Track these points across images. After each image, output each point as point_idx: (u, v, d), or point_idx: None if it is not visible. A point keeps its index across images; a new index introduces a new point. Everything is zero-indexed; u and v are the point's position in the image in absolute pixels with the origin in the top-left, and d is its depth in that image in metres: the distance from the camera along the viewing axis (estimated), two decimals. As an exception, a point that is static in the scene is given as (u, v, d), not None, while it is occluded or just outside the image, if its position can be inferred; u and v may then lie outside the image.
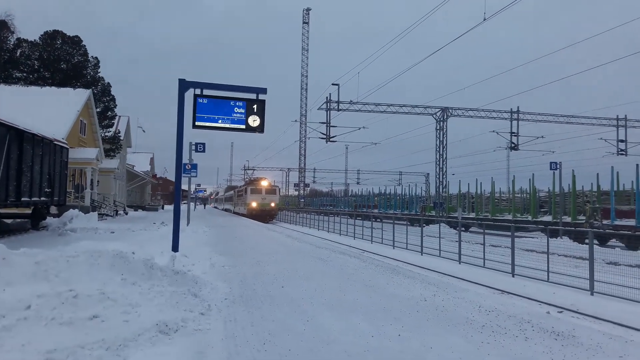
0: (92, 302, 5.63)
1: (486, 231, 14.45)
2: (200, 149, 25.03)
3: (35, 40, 38.92)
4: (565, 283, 10.01)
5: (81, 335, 4.88)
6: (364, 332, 5.62)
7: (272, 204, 45.02)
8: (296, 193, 70.96)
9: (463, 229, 17.42)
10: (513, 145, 37.29)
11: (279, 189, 52.58)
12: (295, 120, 58.16)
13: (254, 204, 43.98)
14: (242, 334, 5.41)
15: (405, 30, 25.02)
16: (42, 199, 19.52)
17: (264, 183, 46.54)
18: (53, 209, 23.17)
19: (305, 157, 63.67)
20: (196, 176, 25.93)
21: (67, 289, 5.72)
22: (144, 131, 65.33)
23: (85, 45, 40.03)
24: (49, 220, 21.20)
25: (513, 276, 11.44)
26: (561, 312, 7.58)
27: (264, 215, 42.91)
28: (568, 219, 23.54)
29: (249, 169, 65.28)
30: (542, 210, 28.23)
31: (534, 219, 25.96)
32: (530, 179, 27.84)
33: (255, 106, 11.35)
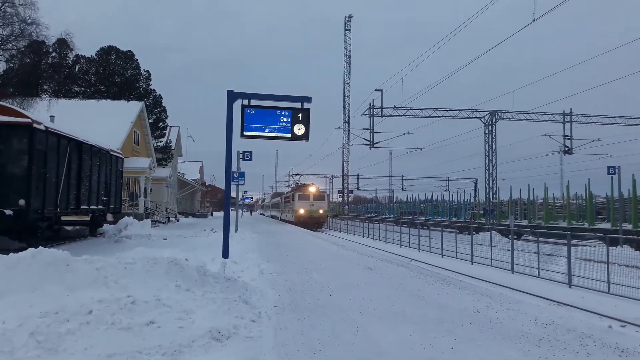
0: (148, 308, 5.81)
1: (540, 239, 13.98)
2: (247, 157, 25.43)
3: (91, 56, 40.85)
4: (628, 295, 9.52)
5: (139, 340, 5.04)
6: (415, 343, 5.53)
7: (321, 211, 43.00)
8: (340, 200, 70.76)
9: (515, 237, 16.90)
10: (566, 149, 35.97)
11: (328, 195, 51.19)
12: (339, 127, 58.27)
13: (301, 211, 42.22)
14: (293, 343, 5.43)
15: (450, 33, 24.69)
16: (100, 206, 20.34)
17: (312, 189, 44.52)
18: (109, 217, 24.10)
19: (348, 164, 63.66)
20: (244, 184, 26.39)
21: (126, 295, 5.93)
22: (193, 140, 67.29)
23: (137, 59, 41.69)
24: (106, 227, 22.05)
25: (570, 287, 10.99)
26: (624, 326, 7.22)
27: (312, 223, 41.25)
28: (629, 227, 22.43)
29: (295, 175, 63.69)
30: (600, 217, 27.05)
31: (591, 227, 24.89)
32: (586, 184, 26.80)
33: (300, 115, 11.45)
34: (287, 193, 55.69)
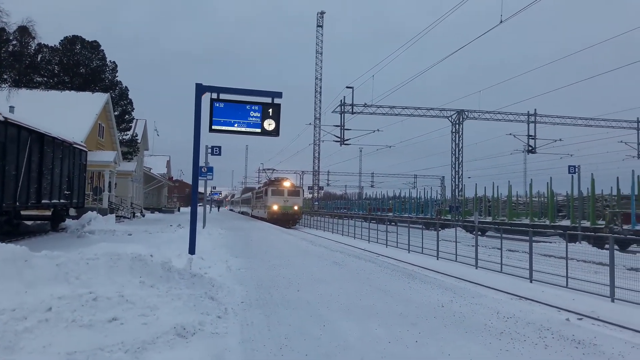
0: (111, 304, 5.69)
1: (503, 235, 14.31)
2: (216, 152, 25.19)
3: (55, 45, 39.61)
4: (585, 289, 9.86)
5: (100, 337, 4.93)
6: (380, 337, 5.60)
7: (295, 207, 40.43)
8: (310, 196, 70.70)
9: (479, 233, 17.25)
10: (530, 148, 36.92)
11: (303, 191, 47.68)
12: (310, 124, 58.15)
13: (274, 207, 39.64)
14: (260, 338, 5.42)
15: (420, 33, 25.00)
16: (62, 201, 19.80)
17: (287, 184, 41.82)
18: (72, 211, 23.50)
19: (319, 160, 63.69)
20: (212, 179, 26.13)
21: (87, 292, 5.80)
22: (158, 134, 66.01)
23: (103, 50, 40.67)
24: (68, 222, 21.50)
25: (531, 282, 11.30)
26: (581, 319, 7.47)
27: (286, 220, 39.10)
28: (587, 224, 23.19)
29: (267, 170, 59.61)
30: (560, 214, 27.87)
31: (552, 224, 25.62)
32: (548, 183, 27.51)
33: (270, 110, 11.41)
34: (259, 188, 52.31)
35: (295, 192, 41.64)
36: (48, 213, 20.59)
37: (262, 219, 43.27)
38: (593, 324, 7.19)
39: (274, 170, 56.63)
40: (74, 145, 21.39)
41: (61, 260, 6.50)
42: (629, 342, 5.84)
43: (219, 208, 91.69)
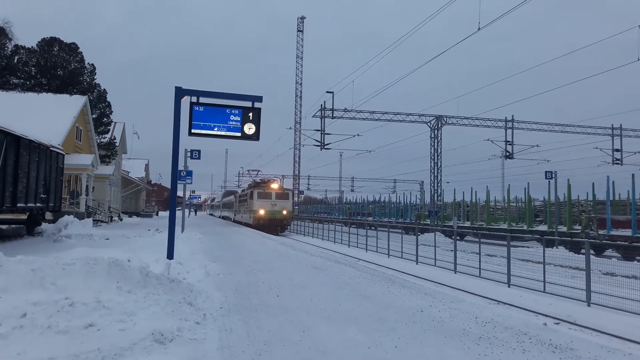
0: (88, 310, 5.61)
1: (482, 240, 14.46)
2: (195, 156, 24.97)
3: (32, 47, 38.88)
4: (562, 294, 10.01)
5: (77, 344, 4.85)
6: (360, 343, 5.60)
7: (284, 212, 36.66)
8: (291, 200, 70.10)
9: (458, 238, 17.41)
10: (508, 154, 37.41)
11: (292, 193, 43.13)
12: (290, 128, 58.18)
13: (261, 212, 35.85)
14: (238, 344, 5.38)
15: (400, 39, 25.26)
16: (38, 205, 19.42)
17: (274, 185, 38.10)
18: (48, 215, 23.06)
19: (299, 164, 63.74)
20: (191, 183, 25.88)
21: (63, 297, 5.70)
22: (138, 137, 65.18)
23: (81, 52, 40.04)
24: (44, 226, 21.08)
25: (509, 286, 11.43)
26: (558, 323, 7.58)
27: (274, 226, 35.54)
28: (564, 229, 23.60)
29: (252, 171, 53.00)
30: (538, 219, 28.31)
31: (530, 229, 26.01)
32: (525, 188, 27.96)
33: (251, 114, 11.37)
34: (243, 191, 47.58)
35: (284, 194, 37.85)
36: (24, 217, 20.18)
37: (246, 224, 40.08)
38: (570, 328, 7.30)
39: (258, 171, 51.40)
40: (51, 149, 21.01)
41: (36, 265, 6.38)
42: (605, 347, 5.95)
43: (195, 212, 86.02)
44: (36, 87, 37.10)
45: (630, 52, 23.84)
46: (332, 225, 32.62)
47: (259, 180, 41.85)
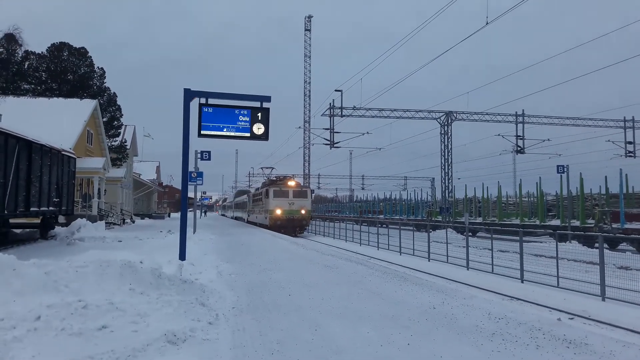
0: (101, 312, 5.65)
1: (494, 236, 14.38)
2: (205, 157, 25.08)
3: (42, 52, 39.33)
4: (576, 289, 9.92)
5: (90, 345, 4.89)
6: (372, 341, 5.59)
7: (303, 211, 33.83)
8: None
9: (470, 234, 17.32)
10: (519, 148, 37.16)
11: (312, 191, 39.12)
12: (299, 127, 58.18)
13: (278, 211, 33.20)
14: (251, 344, 5.39)
15: (408, 35, 25.15)
16: (51, 208, 19.63)
17: (292, 183, 35.44)
18: (61, 219, 23.28)
19: (309, 163, 63.66)
20: (202, 184, 25.99)
21: (77, 300, 5.75)
22: (152, 139, 65.64)
23: (91, 57, 40.41)
24: (58, 229, 21.30)
25: (522, 282, 11.36)
26: (572, 318, 7.52)
27: (292, 227, 33.15)
28: (577, 223, 23.38)
29: (266, 168, 48.82)
30: (550, 214, 28.08)
31: (542, 223, 25.81)
32: (537, 183, 27.76)
33: (259, 114, 11.39)
34: (258, 189, 44.56)
35: (302, 192, 35.01)
36: (37, 221, 20.39)
37: (261, 225, 37.57)
38: (584, 323, 7.24)
39: (272, 169, 47.64)
40: (63, 153, 21.22)
41: (50, 269, 6.44)
42: (620, 341, 5.88)
43: (205, 213, 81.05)
44: (47, 92, 37.54)
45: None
46: (343, 223, 32.62)
47: (275, 178, 38.86)
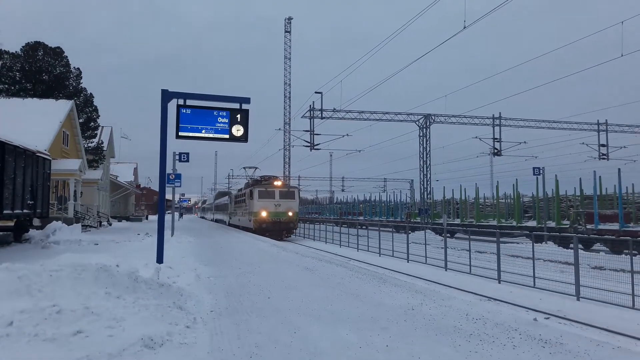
0: (76, 317, 5.54)
1: (471, 237, 14.54)
2: (184, 158, 24.87)
3: (16, 51, 38.45)
4: (552, 288, 10.09)
5: (65, 351, 4.79)
6: (351, 343, 5.59)
7: (290, 213, 31.49)
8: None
9: (448, 235, 17.48)
10: (496, 151, 37.63)
11: (299, 191, 36.08)
12: (279, 129, 58.01)
13: (263, 214, 30.90)
14: (229, 347, 5.34)
15: (387, 38, 25.35)
16: (25, 211, 19.20)
17: (278, 183, 33.15)
18: (36, 221, 22.81)
19: (289, 165, 63.49)
20: (180, 186, 25.76)
21: (51, 304, 5.63)
22: (129, 140, 64.69)
23: (67, 57, 39.64)
24: (32, 232, 20.86)
25: (499, 282, 11.50)
26: (548, 318, 7.63)
27: (279, 230, 31.00)
28: (552, 224, 23.79)
29: (249, 168, 45.19)
30: (527, 215, 28.51)
31: (519, 224, 26.18)
32: (514, 184, 28.14)
33: (238, 116, 11.32)
34: (241, 190, 41.46)
35: (289, 193, 32.66)
36: (11, 224, 19.94)
37: (245, 228, 35.35)
38: (560, 322, 7.35)
39: (256, 168, 44.63)
40: (37, 154, 20.79)
41: (23, 273, 6.28)
42: (594, 340, 5.99)
43: (181, 215, 78.17)
44: (21, 92, 36.75)
45: (615, 49, 24.10)
46: (323, 225, 32.63)
47: (259, 178, 36.17)
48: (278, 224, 30.84)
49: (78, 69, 40.42)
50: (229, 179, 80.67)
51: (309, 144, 37.10)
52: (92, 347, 4.91)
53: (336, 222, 34.32)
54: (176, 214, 36.29)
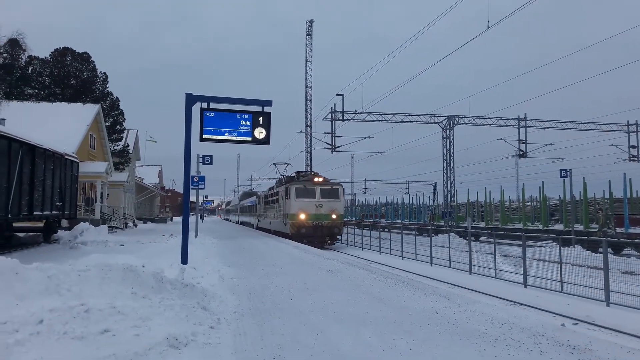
0: (103, 316, 5.64)
1: (497, 241, 14.34)
2: (207, 161, 25.12)
3: (45, 57, 39.49)
4: (580, 294, 9.88)
5: (92, 349, 4.88)
6: (374, 346, 5.56)
7: (334, 215, 26.54)
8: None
9: (473, 238, 17.27)
10: (521, 152, 37.09)
11: (343, 189, 29.74)
12: (301, 131, 58.15)
13: (302, 216, 26.07)
14: (252, 348, 5.37)
15: (409, 40, 25.19)
16: (54, 212, 19.66)
17: (319, 179, 28.04)
18: (64, 222, 23.33)
19: (311, 168, 63.55)
20: (204, 188, 26.01)
21: (79, 303, 5.74)
22: (155, 142, 65.50)
23: (94, 61, 40.58)
24: (60, 233, 21.36)
25: (525, 287, 11.32)
26: (576, 324, 7.48)
27: (321, 235, 26.33)
28: (580, 228, 23.31)
29: (281, 164, 38.56)
30: (553, 218, 28.01)
31: (545, 228, 25.73)
32: (540, 187, 27.70)
33: (261, 119, 11.38)
34: (273, 188, 35.27)
35: (332, 191, 27.45)
36: (40, 225, 20.45)
37: (278, 233, 30.43)
38: (588, 328, 7.20)
39: (288, 164, 38.35)
40: (66, 157, 21.28)
41: (52, 272, 6.43)
42: (625, 347, 5.84)
43: (202, 217, 74.99)
44: (50, 97, 37.68)
45: (644, 48, 23.53)
46: (344, 228, 32.58)
47: (293, 174, 31.60)
48: (320, 228, 26.17)
49: (104, 73, 41.31)
50: (251, 180, 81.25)
51: (330, 146, 37.15)
52: (119, 345, 4.99)
53: (358, 225, 34.21)
54: (203, 216, 35.31)
